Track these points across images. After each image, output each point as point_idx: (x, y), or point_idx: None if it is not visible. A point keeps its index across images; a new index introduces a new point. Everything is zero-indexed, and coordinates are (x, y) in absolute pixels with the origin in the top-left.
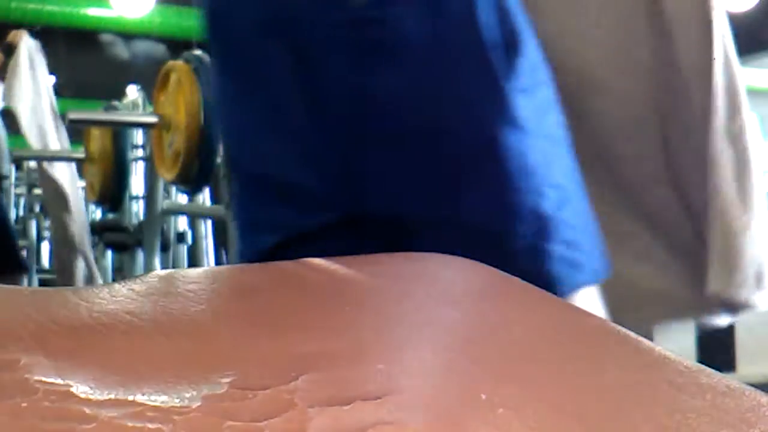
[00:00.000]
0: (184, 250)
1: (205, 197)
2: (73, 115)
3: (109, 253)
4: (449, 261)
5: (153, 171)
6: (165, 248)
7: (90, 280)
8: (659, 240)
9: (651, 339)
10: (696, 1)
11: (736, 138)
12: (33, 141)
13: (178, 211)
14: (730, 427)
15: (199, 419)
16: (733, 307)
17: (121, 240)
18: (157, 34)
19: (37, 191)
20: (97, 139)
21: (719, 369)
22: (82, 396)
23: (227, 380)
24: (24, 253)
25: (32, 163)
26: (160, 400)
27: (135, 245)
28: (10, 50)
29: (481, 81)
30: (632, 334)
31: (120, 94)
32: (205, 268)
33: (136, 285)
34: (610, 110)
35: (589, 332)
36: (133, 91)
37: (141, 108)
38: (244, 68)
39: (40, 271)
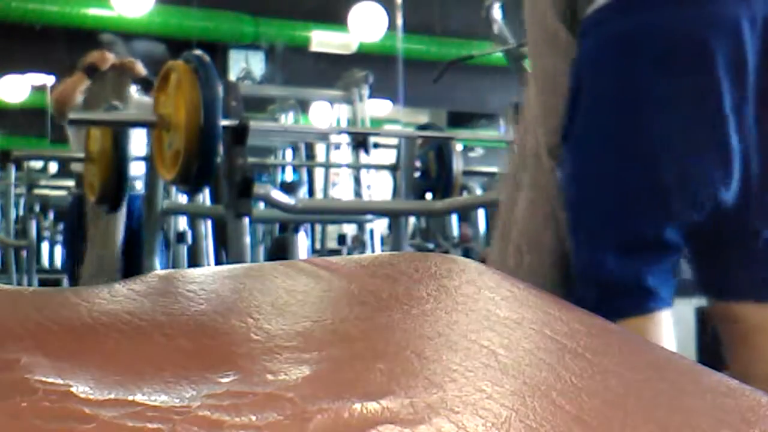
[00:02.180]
0: (184, 250)
1: (205, 197)
2: (73, 115)
3: None
4: (450, 261)
5: (153, 171)
6: (165, 248)
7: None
8: None
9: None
10: None
11: None
12: None
13: (178, 211)
14: (730, 426)
15: (199, 419)
16: None
17: None
18: (157, 34)
19: (37, 191)
20: (97, 139)
21: (719, 369)
22: (82, 396)
23: (227, 380)
24: (24, 253)
25: (32, 163)
26: (160, 400)
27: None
28: (94, 71)
29: None
30: (633, 334)
31: None
32: (205, 268)
33: (136, 285)
34: None
35: (590, 332)
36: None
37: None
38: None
39: (40, 271)
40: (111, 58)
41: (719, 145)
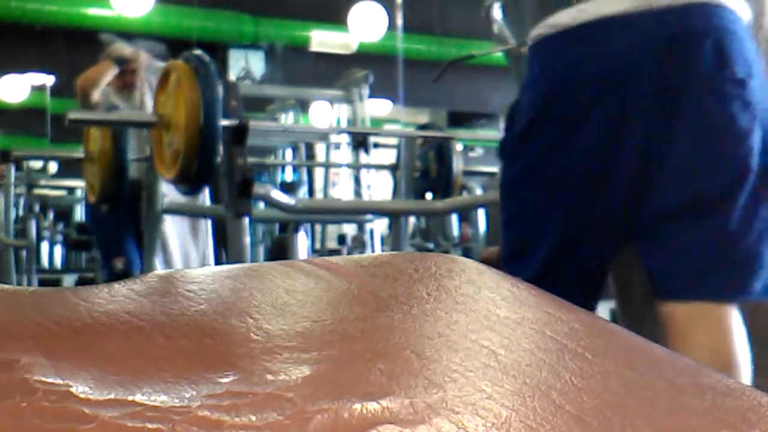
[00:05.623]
0: None
1: (205, 197)
2: (73, 115)
3: None
4: (450, 261)
5: (153, 171)
6: (165, 248)
7: None
8: None
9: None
10: None
11: None
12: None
13: (178, 211)
14: (731, 427)
15: (199, 419)
16: None
17: None
18: (157, 34)
19: (37, 191)
20: (97, 139)
21: None
22: (82, 396)
23: (227, 380)
24: (24, 253)
25: (32, 163)
26: (160, 400)
27: None
28: (124, 62)
29: None
30: (633, 334)
31: None
32: (205, 268)
33: (136, 285)
34: None
35: (590, 332)
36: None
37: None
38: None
39: (40, 271)
40: (143, 58)
41: (582, 172)
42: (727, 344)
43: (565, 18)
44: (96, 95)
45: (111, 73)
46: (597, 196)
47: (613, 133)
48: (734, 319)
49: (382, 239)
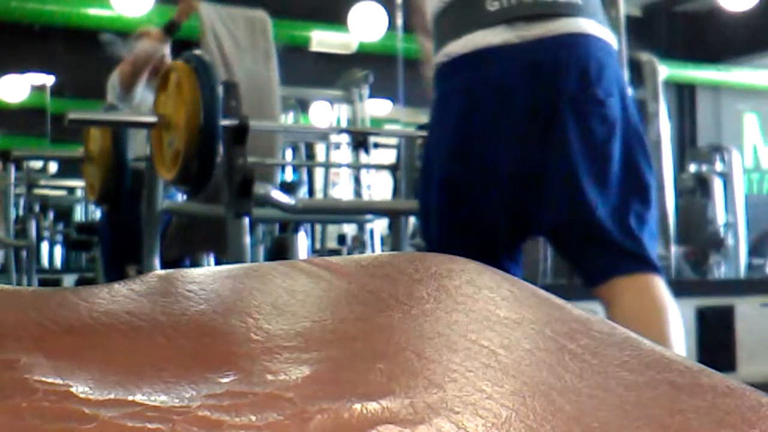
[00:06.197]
0: None
1: None
2: (73, 115)
3: None
4: (450, 261)
5: (153, 171)
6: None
7: None
8: None
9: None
10: None
11: None
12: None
13: (178, 211)
14: (731, 427)
15: (199, 419)
16: None
17: None
18: None
19: (37, 191)
20: (97, 139)
21: (719, 369)
22: (82, 396)
23: (227, 380)
24: (24, 253)
25: (32, 163)
26: (160, 400)
27: None
28: (175, 28)
29: None
30: (633, 334)
31: None
32: (205, 268)
33: (136, 285)
34: None
35: (590, 332)
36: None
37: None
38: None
39: (40, 271)
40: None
41: (472, 186)
42: (652, 301)
43: (455, 47)
44: (143, 77)
45: (164, 45)
46: (484, 207)
47: (495, 152)
48: (653, 281)
49: (382, 239)
